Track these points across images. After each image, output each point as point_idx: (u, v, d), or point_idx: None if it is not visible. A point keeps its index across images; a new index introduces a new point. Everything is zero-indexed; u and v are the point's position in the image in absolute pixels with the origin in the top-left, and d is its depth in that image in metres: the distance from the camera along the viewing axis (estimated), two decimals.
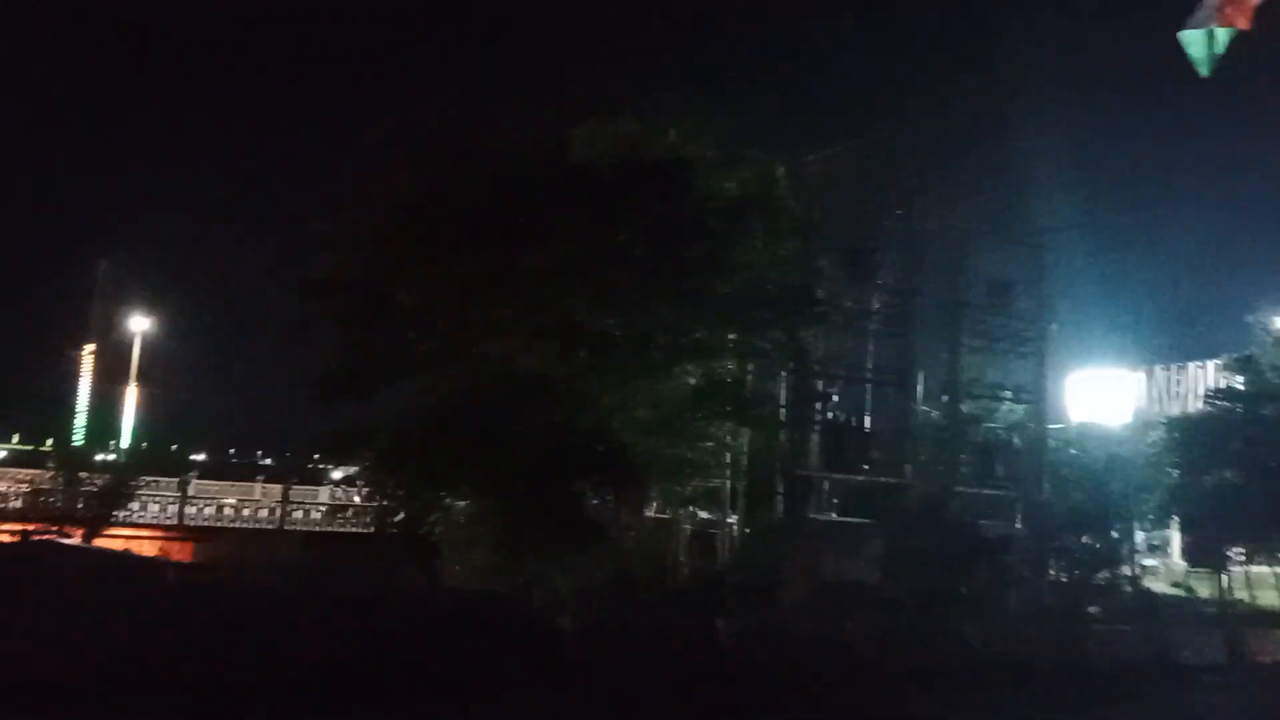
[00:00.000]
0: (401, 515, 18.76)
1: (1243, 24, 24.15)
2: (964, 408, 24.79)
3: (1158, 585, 27.63)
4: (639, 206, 18.20)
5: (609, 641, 16.33)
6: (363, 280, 18.29)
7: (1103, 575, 24.23)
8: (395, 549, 19.05)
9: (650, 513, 23.41)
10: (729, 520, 23.74)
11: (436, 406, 18.10)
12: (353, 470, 28.41)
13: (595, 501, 19.72)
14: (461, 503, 18.73)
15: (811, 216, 21.45)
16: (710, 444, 21.03)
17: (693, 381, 19.73)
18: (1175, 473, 26.90)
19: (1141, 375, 41.81)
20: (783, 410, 22.62)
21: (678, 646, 16.74)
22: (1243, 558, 28.02)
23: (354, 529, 26.46)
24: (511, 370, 17.75)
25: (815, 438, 23.22)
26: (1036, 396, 25.86)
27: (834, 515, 23.68)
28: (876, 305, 24.19)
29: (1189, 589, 27.55)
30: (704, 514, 24.59)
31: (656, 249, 18.45)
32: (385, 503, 19.11)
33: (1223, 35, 24.60)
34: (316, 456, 39.75)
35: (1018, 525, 24.13)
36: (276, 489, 35.57)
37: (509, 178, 17.26)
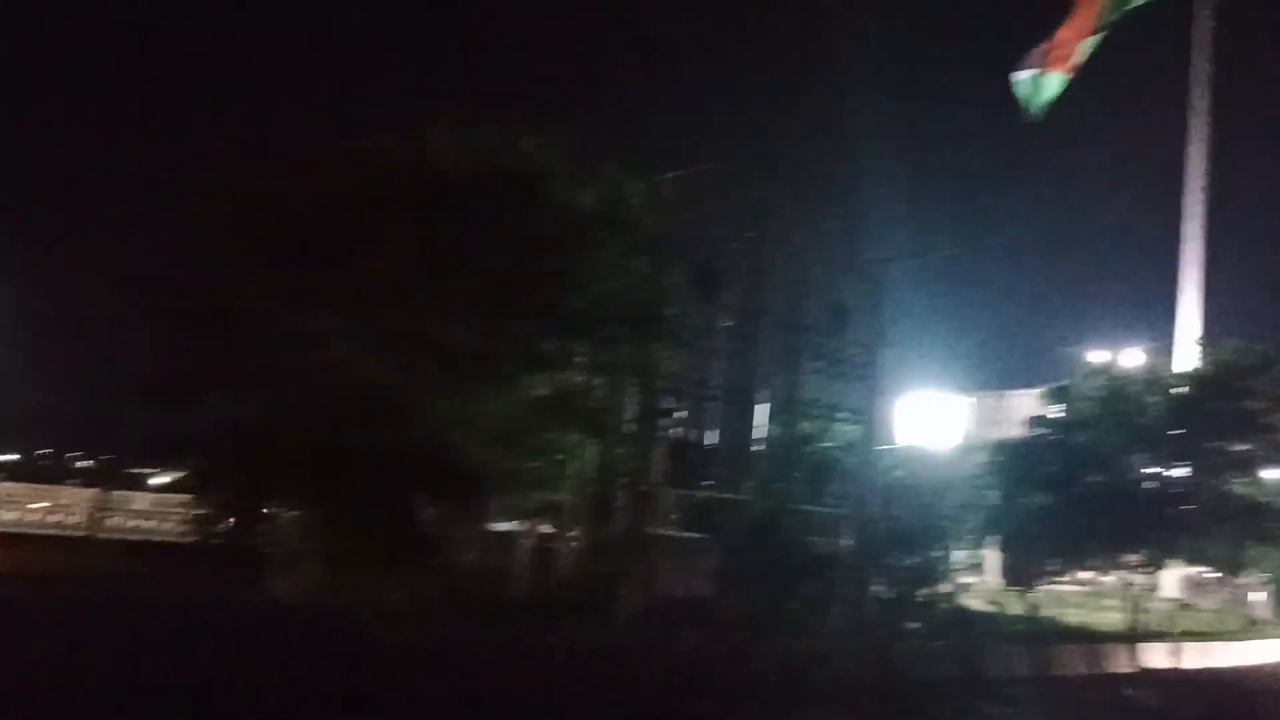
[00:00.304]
0: (226, 525, 17.94)
1: (1065, 70, 25.93)
2: (801, 427, 25.57)
3: (975, 602, 29.08)
4: (491, 216, 18.05)
5: (440, 660, 16.01)
6: (193, 282, 17.47)
7: (924, 592, 25.34)
8: (219, 561, 18.20)
9: (492, 526, 23.16)
10: (571, 534, 23.70)
11: (267, 414, 17.42)
12: (177, 475, 27.02)
13: (434, 515, 19.38)
14: (291, 513, 18.09)
15: (664, 235, 21.79)
16: (554, 457, 21.01)
17: (540, 393, 19.68)
18: (995, 494, 28.41)
19: (967, 401, 44.10)
20: (629, 425, 22.80)
21: (510, 664, 16.57)
22: (1053, 576, 29.82)
23: (175, 538, 25.13)
24: (348, 379, 17.27)
25: (660, 453, 23.49)
26: (869, 418, 26.88)
27: (675, 530, 23.97)
28: (723, 325, 24.70)
29: (1002, 606, 29.10)
30: (547, 527, 24.47)
31: (507, 260, 18.34)
32: (209, 512, 18.22)
33: (1049, 81, 26.32)
34: (138, 461, 37.65)
35: (847, 543, 24.98)
36: (92, 493, 33.44)
37: (354, 183, 16.85)
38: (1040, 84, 24.28)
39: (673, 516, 25.47)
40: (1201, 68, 23.07)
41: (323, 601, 17.63)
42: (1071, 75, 23.94)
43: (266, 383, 17.66)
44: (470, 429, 18.40)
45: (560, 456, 21.52)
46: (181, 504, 25.18)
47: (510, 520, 23.54)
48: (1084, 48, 23.68)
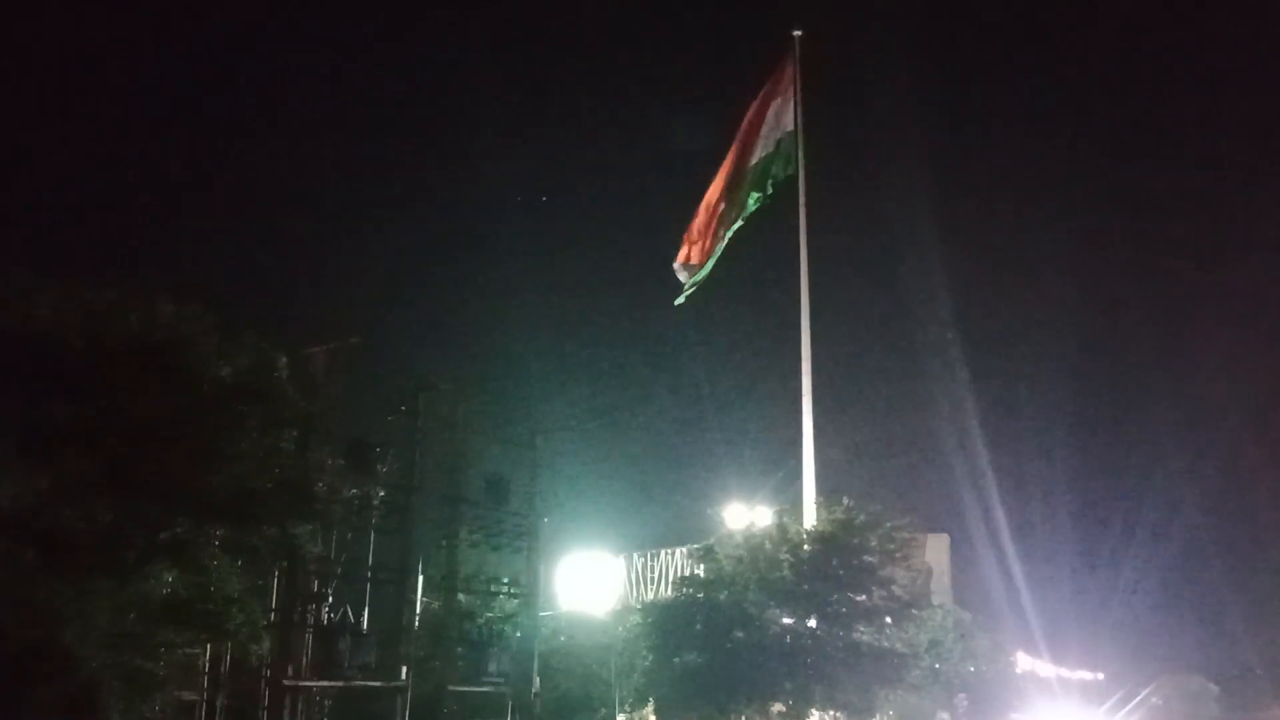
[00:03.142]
0: None
1: (699, 260, 28.42)
2: (460, 601, 25.07)
3: None
4: (113, 386, 16.60)
5: None
6: None
7: None
8: None
9: None
10: None
11: None
12: None
13: None
14: None
15: (313, 408, 21.03)
16: (182, 652, 19.06)
17: (169, 580, 17.94)
18: (650, 657, 28.97)
19: (624, 561, 45.28)
20: (273, 612, 21.24)
21: None
22: None
23: None
24: None
25: (307, 641, 22.01)
26: (530, 587, 26.92)
27: None
28: (378, 500, 23.99)
29: None
30: None
31: (133, 434, 16.86)
32: None
33: (688, 273, 28.51)
34: None
35: None
36: None
37: None
38: (688, 276, 26.61)
39: (325, 705, 23.75)
40: (803, 265, 26.34)
41: None
42: (701, 271, 26.46)
43: None
44: (86, 627, 16.32)
45: (193, 651, 19.59)
46: None
47: None
48: (715, 251, 26.34)
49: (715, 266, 26.57)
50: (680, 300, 26.56)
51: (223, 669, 20.99)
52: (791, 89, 26.40)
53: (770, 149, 26.28)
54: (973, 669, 41.40)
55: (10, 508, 16.01)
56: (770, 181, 26.11)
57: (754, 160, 26.26)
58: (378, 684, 22.58)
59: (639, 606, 32.00)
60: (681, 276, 26.65)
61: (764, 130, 26.19)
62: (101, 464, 16.61)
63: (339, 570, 23.19)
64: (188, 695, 20.81)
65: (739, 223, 26.52)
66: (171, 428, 17.15)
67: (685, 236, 26.84)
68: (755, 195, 26.39)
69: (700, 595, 28.75)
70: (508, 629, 26.26)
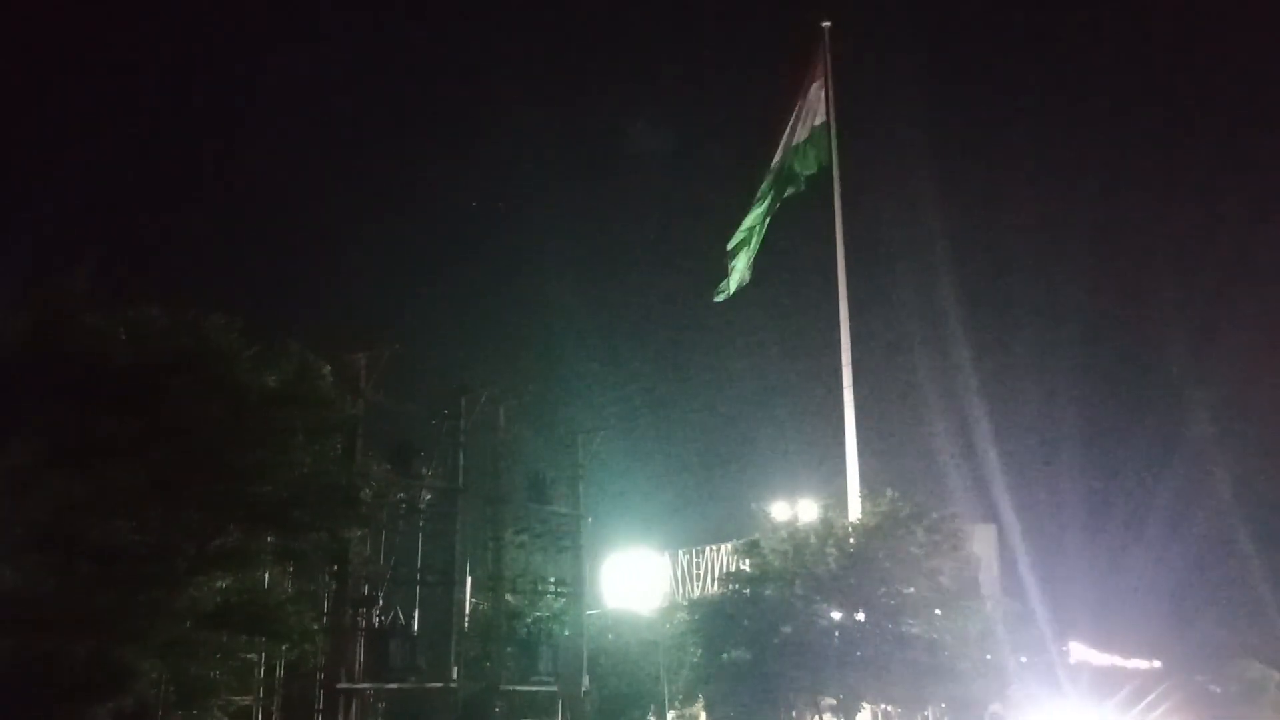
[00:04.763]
0: None
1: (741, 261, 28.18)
2: (508, 602, 25.17)
3: None
4: (161, 400, 16.90)
5: None
6: None
7: None
8: None
9: None
10: None
11: None
12: None
13: None
14: None
15: (357, 414, 21.31)
16: (240, 658, 19.39)
17: (222, 586, 18.25)
18: (698, 653, 28.99)
19: (669, 558, 45.29)
20: (325, 617, 21.50)
21: None
22: None
23: None
24: None
25: (359, 644, 22.23)
26: (576, 587, 26.96)
27: None
28: (424, 503, 24.17)
29: None
30: None
31: (182, 446, 17.17)
32: None
33: (734, 269, 28.54)
34: None
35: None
36: None
37: None
38: (730, 275, 26.70)
39: (379, 708, 23.97)
40: (840, 256, 26.24)
41: None
42: (739, 267, 26.50)
43: None
44: (143, 638, 16.63)
45: (248, 657, 19.90)
46: None
47: None
48: (748, 247, 26.36)
49: (754, 262, 26.56)
50: (719, 297, 26.60)
51: (278, 673, 21.30)
52: (821, 81, 26.30)
53: (800, 141, 26.19)
54: (1024, 659, 40.87)
55: (62, 521, 16.32)
56: (802, 174, 26.03)
57: (784, 153, 26.20)
58: (431, 685, 22.74)
59: (685, 604, 32.01)
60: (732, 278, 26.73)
61: (792, 122, 26.12)
62: (150, 475, 16.92)
63: (388, 573, 23.39)
64: (244, 700, 21.15)
65: (769, 214, 26.48)
66: (219, 438, 17.45)
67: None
68: (787, 189, 26.31)
69: (746, 591, 28.69)
70: (556, 628, 26.34)
